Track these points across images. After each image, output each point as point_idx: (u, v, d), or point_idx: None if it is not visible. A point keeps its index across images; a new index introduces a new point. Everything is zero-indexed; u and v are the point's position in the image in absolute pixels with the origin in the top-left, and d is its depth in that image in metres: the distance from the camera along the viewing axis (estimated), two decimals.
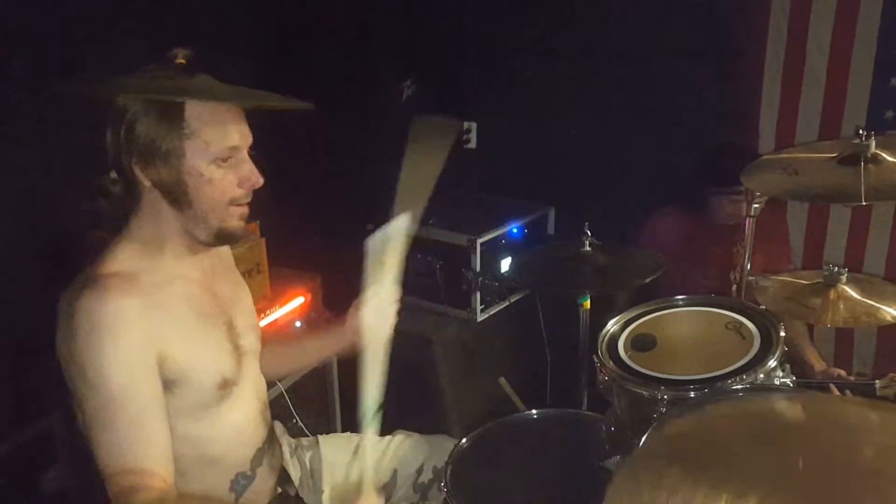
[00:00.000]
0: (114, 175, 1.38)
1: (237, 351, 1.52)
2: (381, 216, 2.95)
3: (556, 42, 3.06)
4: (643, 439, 1.07)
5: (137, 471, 1.29)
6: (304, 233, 2.67)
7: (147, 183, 1.37)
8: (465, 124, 3.24)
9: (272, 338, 1.86)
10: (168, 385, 1.38)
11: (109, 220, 1.44)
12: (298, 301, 2.58)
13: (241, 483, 1.54)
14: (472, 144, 3.26)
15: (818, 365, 2.39)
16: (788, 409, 1.13)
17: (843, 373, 2.28)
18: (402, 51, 3.11)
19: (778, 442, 1.02)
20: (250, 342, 1.58)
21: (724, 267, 2.40)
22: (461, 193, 3.26)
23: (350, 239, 3.03)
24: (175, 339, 1.38)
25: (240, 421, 1.54)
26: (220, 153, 1.38)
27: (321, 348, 1.83)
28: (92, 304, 1.30)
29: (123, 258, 1.40)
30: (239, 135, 1.41)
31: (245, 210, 1.46)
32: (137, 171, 1.37)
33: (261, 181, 1.44)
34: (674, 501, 0.91)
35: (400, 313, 1.66)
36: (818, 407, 1.16)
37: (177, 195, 1.39)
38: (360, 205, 3.00)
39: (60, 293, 1.38)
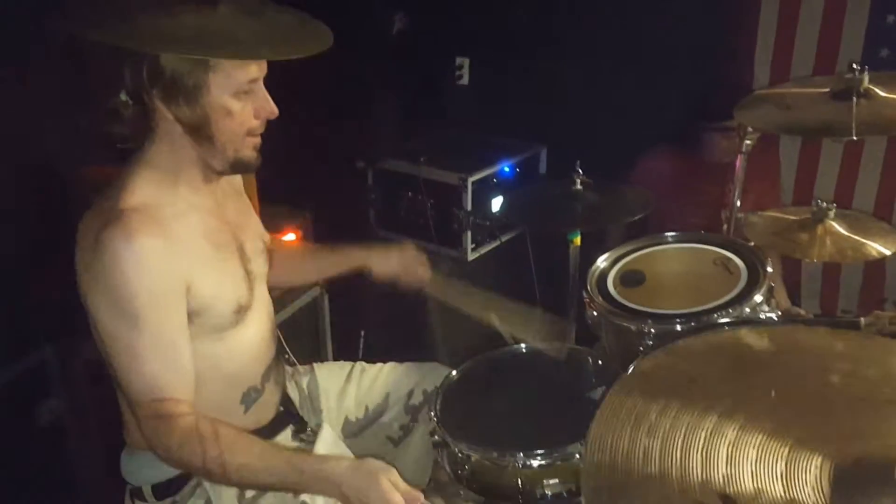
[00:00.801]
0: (124, 97, 1.36)
1: (249, 276, 1.56)
2: (370, 152, 2.95)
3: None
4: (618, 381, 1.09)
5: (168, 398, 1.37)
6: (293, 168, 2.65)
7: (169, 116, 1.38)
8: (458, 60, 3.19)
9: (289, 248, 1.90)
10: (190, 315, 1.43)
11: (102, 152, 1.44)
12: (290, 237, 2.58)
13: (251, 396, 1.60)
14: (465, 81, 3.22)
15: (783, 303, 2.43)
16: (756, 341, 1.15)
17: (802, 312, 2.32)
18: None
19: (749, 374, 1.05)
20: (259, 266, 1.62)
21: (716, 206, 2.41)
22: (453, 131, 3.23)
23: (340, 174, 3.05)
24: (196, 273, 1.42)
25: (252, 340, 1.59)
26: (240, 86, 1.38)
27: (338, 263, 1.87)
28: (118, 243, 1.32)
29: (143, 189, 1.40)
30: (257, 66, 1.41)
31: (258, 140, 1.47)
32: (160, 104, 1.37)
33: (276, 112, 1.45)
34: (655, 438, 0.93)
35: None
36: (785, 338, 1.19)
37: (198, 128, 1.39)
38: (349, 140, 2.99)
39: (81, 228, 1.39)
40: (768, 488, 0.87)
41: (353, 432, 1.86)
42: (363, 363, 1.95)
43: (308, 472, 1.36)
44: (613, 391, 1.01)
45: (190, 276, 1.41)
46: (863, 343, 1.15)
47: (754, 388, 1.02)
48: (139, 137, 1.42)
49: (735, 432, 0.93)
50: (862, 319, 2.03)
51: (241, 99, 1.40)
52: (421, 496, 1.35)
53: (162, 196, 1.42)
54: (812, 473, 0.89)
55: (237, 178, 1.67)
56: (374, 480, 1.32)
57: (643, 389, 1.04)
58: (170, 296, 1.38)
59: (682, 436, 0.92)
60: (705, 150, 2.59)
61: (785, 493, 0.86)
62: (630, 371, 1.35)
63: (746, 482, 0.87)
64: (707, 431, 0.93)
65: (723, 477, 0.88)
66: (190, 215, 1.45)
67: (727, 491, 0.86)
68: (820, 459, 0.89)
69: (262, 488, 1.44)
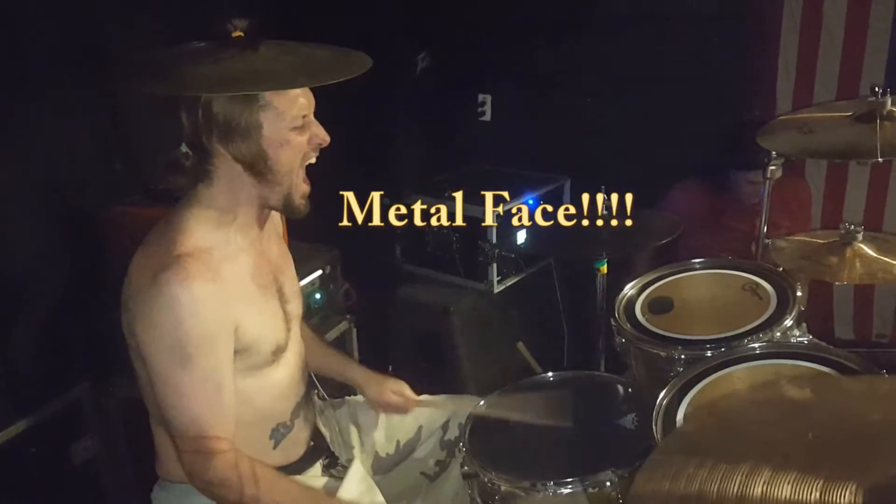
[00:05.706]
0: (185, 149, 1.42)
1: (286, 317, 1.59)
2: (396, 190, 2.99)
3: (570, 11, 3.04)
4: (660, 442, 1.13)
5: (210, 436, 1.40)
6: (321, 206, 2.69)
7: (228, 156, 1.43)
8: (480, 97, 3.23)
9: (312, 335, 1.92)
10: (233, 354, 1.46)
11: (138, 195, 1.46)
12: (317, 274, 2.60)
13: (280, 432, 1.61)
14: (487, 117, 3.25)
15: None
16: (798, 392, 1.16)
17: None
18: (416, 23, 3.11)
19: (790, 422, 1.06)
20: (295, 307, 1.65)
21: (746, 241, 2.40)
22: (477, 166, 3.27)
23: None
24: (244, 314, 1.46)
25: (284, 379, 1.61)
26: (293, 122, 1.44)
27: (332, 368, 1.89)
28: (175, 287, 1.36)
29: (198, 232, 1.45)
30: (306, 101, 1.47)
31: (308, 189, 1.52)
32: (218, 147, 1.42)
33: (328, 139, 1.50)
34: (692, 485, 0.95)
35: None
36: (828, 387, 1.20)
37: (257, 164, 1.44)
38: (375, 178, 3.02)
39: (135, 267, 1.43)
40: None
41: (384, 468, 1.85)
42: None
43: None
44: (655, 453, 1.03)
45: (238, 317, 1.45)
46: None
47: (793, 433, 1.02)
48: (195, 182, 1.47)
49: (770, 472, 0.94)
50: None
51: (297, 132, 1.45)
52: None
53: (215, 238, 1.46)
54: (846, 499, 0.88)
55: (278, 221, 1.71)
56: None
57: (684, 447, 1.05)
58: (220, 338, 1.42)
59: (717, 481, 0.94)
60: (734, 189, 2.58)
61: None
62: (672, 433, 1.38)
63: None
64: (743, 475, 0.94)
65: None
66: (239, 257, 1.50)
67: None
68: (854, 486, 0.89)
69: None
